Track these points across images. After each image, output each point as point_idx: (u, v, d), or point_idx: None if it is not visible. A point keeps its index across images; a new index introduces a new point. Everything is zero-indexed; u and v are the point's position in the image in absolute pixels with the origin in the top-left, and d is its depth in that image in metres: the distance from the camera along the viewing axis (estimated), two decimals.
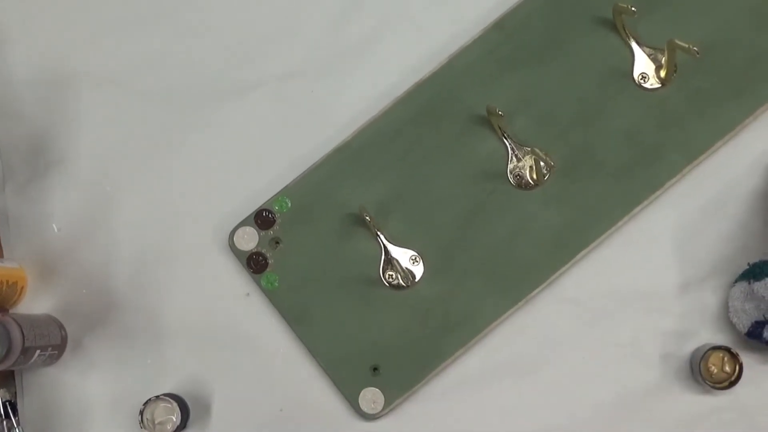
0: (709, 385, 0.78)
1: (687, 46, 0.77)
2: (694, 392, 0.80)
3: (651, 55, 0.83)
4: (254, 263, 0.83)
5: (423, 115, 0.84)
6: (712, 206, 0.83)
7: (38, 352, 0.79)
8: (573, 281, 0.82)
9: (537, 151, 0.79)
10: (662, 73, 0.82)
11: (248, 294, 0.84)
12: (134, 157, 0.86)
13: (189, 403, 0.82)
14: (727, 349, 0.78)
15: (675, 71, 0.82)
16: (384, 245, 0.82)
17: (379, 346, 0.81)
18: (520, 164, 0.82)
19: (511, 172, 0.83)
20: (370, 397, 0.80)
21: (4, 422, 0.82)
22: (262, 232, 0.83)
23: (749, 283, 0.78)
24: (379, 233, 0.81)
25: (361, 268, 0.82)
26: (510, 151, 0.83)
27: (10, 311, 0.84)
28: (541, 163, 0.81)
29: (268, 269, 0.83)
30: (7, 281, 0.81)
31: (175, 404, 0.80)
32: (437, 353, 0.81)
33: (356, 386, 0.80)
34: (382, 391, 0.80)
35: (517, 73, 0.84)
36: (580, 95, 0.83)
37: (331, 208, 0.83)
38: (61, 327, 0.83)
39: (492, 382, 0.82)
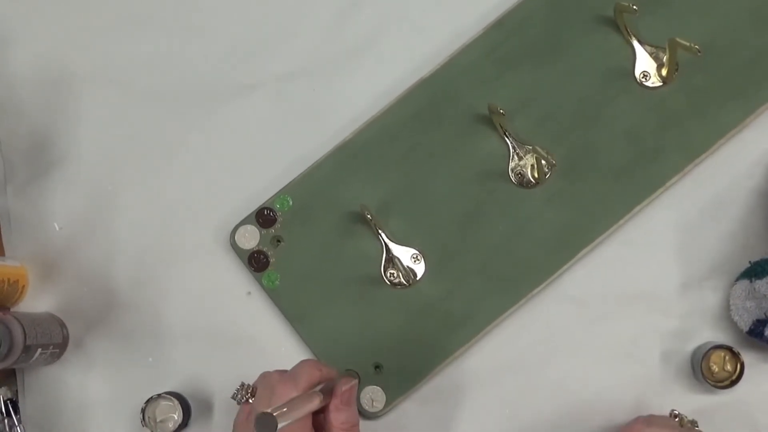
0: (710, 383, 0.78)
1: (689, 44, 0.77)
2: (695, 391, 0.80)
3: (652, 53, 0.83)
4: (255, 262, 0.83)
5: (424, 114, 0.84)
6: (713, 205, 0.83)
7: (39, 350, 0.79)
8: (574, 280, 0.82)
9: (538, 149, 0.80)
10: (664, 72, 0.82)
11: (249, 292, 0.84)
12: (136, 155, 0.87)
13: (190, 402, 0.82)
14: (729, 348, 0.78)
15: (676, 70, 0.82)
16: (385, 244, 0.82)
17: (380, 344, 0.81)
18: (522, 163, 0.83)
19: (512, 171, 0.83)
20: (372, 396, 0.80)
21: (6, 420, 0.82)
22: (264, 231, 0.83)
23: (750, 282, 0.78)
24: (380, 232, 0.81)
25: (362, 267, 0.82)
26: (511, 150, 0.83)
27: (12, 310, 0.84)
28: (543, 162, 0.81)
29: (269, 268, 0.83)
30: (9, 280, 0.81)
31: (176, 402, 0.80)
32: (438, 352, 0.81)
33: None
34: (383, 390, 0.80)
35: (518, 71, 0.84)
36: (582, 94, 0.83)
37: (333, 206, 0.83)
38: (63, 325, 0.83)
39: (493, 381, 0.82)
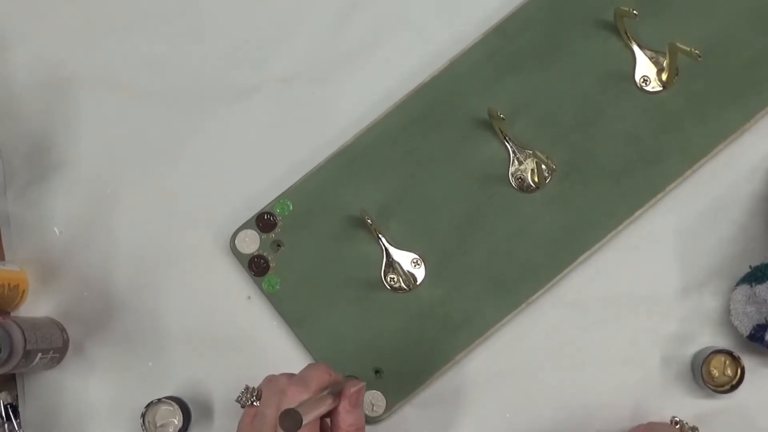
0: (710, 388, 0.78)
1: (689, 49, 0.77)
2: (695, 396, 0.80)
3: (652, 58, 0.83)
4: (256, 266, 0.83)
5: (424, 119, 0.84)
6: (713, 209, 0.83)
7: (40, 355, 0.79)
8: (574, 284, 0.82)
9: (538, 154, 0.80)
10: (664, 77, 0.82)
11: (249, 297, 0.84)
12: (135, 159, 0.86)
13: (190, 406, 0.82)
14: (729, 353, 0.78)
15: (676, 74, 0.82)
16: (385, 248, 0.82)
17: (380, 349, 0.81)
18: (522, 167, 0.83)
19: (512, 175, 0.83)
20: (372, 400, 0.80)
21: (6, 425, 0.82)
22: (264, 235, 0.83)
23: (751, 286, 0.78)
24: (380, 236, 0.81)
25: (362, 271, 0.82)
26: (511, 154, 0.83)
27: (12, 314, 0.84)
28: (543, 166, 0.81)
29: (269, 272, 0.83)
30: (9, 284, 0.81)
31: (176, 407, 0.80)
32: (439, 356, 0.81)
33: None
34: (383, 394, 0.80)
35: (518, 76, 0.84)
36: (582, 98, 0.83)
37: (333, 211, 0.83)
38: (63, 330, 0.83)
39: (493, 386, 0.82)
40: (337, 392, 0.69)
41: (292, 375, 0.70)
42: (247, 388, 0.70)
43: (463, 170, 0.83)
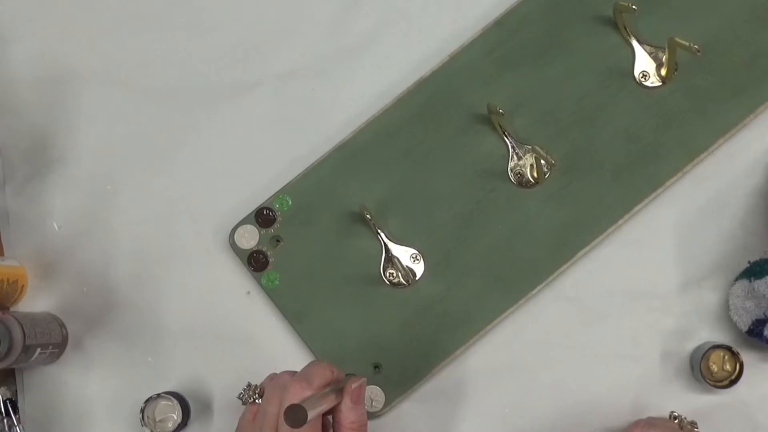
0: (709, 383, 0.78)
1: (688, 44, 0.77)
2: (694, 391, 0.80)
3: (652, 53, 0.83)
4: (255, 261, 0.83)
5: (423, 114, 0.84)
6: (712, 205, 0.83)
7: (39, 350, 0.79)
8: (573, 280, 0.82)
9: (538, 149, 0.80)
10: (663, 72, 0.82)
11: (249, 292, 0.84)
12: (135, 155, 0.86)
13: (190, 401, 0.82)
14: (728, 348, 0.78)
15: (676, 70, 0.82)
16: (385, 243, 0.82)
17: (380, 344, 0.81)
18: (521, 162, 0.83)
19: (511, 171, 0.83)
20: (371, 395, 0.80)
21: (5, 420, 0.82)
22: (263, 231, 0.83)
23: (750, 281, 0.78)
24: (379, 231, 0.81)
25: (361, 267, 0.82)
26: (511, 150, 0.83)
27: (11, 309, 0.84)
28: (542, 162, 0.81)
29: (268, 267, 0.83)
30: (8, 279, 0.81)
31: (176, 402, 0.80)
32: (438, 351, 0.81)
33: None
34: (383, 389, 0.80)
35: (517, 71, 0.84)
36: (581, 93, 0.83)
37: (332, 206, 0.83)
38: (62, 325, 0.83)
39: (492, 381, 0.82)
40: (339, 389, 0.69)
41: (294, 372, 0.70)
42: (249, 385, 0.70)
43: (463, 165, 0.83)
